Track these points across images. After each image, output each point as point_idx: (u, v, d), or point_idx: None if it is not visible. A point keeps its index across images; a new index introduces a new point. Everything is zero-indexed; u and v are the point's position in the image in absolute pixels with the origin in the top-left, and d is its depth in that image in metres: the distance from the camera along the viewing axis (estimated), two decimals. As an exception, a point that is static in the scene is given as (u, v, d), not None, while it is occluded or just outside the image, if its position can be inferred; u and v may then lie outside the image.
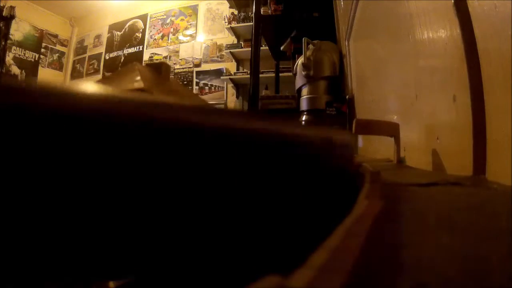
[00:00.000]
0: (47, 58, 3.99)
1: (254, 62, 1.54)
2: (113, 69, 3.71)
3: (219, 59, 3.44)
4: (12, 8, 2.62)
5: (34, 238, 0.08)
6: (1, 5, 2.58)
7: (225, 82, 3.30)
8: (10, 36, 3.01)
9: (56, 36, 4.08)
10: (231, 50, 3.16)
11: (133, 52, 3.84)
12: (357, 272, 0.09)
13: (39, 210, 0.08)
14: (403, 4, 0.64)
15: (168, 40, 3.70)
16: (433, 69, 0.53)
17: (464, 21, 0.41)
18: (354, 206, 0.18)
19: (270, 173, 0.16)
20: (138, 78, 0.36)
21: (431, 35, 0.53)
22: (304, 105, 1.56)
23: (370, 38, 1.07)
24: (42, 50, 3.91)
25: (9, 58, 3.46)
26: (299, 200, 0.18)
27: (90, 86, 0.10)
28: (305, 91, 1.58)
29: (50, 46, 4.01)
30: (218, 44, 3.47)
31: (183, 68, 3.54)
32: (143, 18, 3.87)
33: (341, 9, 1.61)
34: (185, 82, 3.45)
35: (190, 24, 3.64)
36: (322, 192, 0.21)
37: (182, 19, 3.68)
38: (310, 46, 1.55)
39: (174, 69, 3.51)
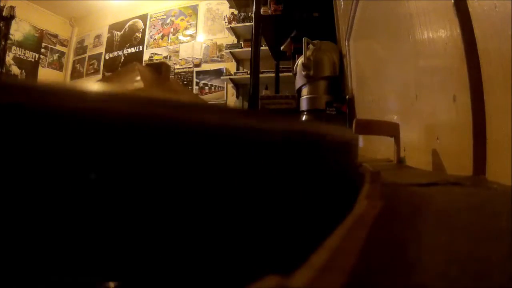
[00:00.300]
0: (47, 58, 3.99)
1: (254, 62, 1.54)
2: (113, 69, 3.71)
3: (219, 59, 3.44)
4: (12, 8, 2.62)
5: (33, 237, 0.08)
6: (1, 5, 2.58)
7: (225, 82, 3.30)
8: (10, 36, 3.01)
9: (56, 36, 4.07)
10: (231, 50, 3.16)
11: (133, 52, 3.84)
12: (357, 272, 0.09)
13: (39, 209, 0.08)
14: (403, 4, 0.64)
15: (168, 40, 3.70)
16: (433, 69, 0.53)
17: (464, 21, 0.41)
18: (354, 206, 0.18)
19: (270, 172, 0.16)
20: (138, 78, 0.36)
21: (431, 35, 0.53)
22: (304, 105, 1.56)
23: (370, 38, 1.07)
24: (42, 50, 3.91)
25: (9, 58, 3.46)
26: (299, 199, 0.18)
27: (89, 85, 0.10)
28: (305, 91, 1.58)
29: (50, 46, 4.01)
30: (218, 44, 3.46)
31: (183, 68, 3.54)
32: (143, 18, 3.87)
33: (341, 9, 1.61)
34: (185, 82, 3.45)
35: (190, 24, 3.64)
36: (321, 191, 0.21)
37: (182, 19, 3.68)
38: (310, 46, 1.55)
39: (174, 69, 3.51)
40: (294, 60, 1.83)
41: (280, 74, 2.55)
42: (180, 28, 3.67)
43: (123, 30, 3.96)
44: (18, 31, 3.55)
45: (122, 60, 3.87)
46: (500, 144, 0.35)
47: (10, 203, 0.07)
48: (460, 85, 0.42)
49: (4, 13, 2.56)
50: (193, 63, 3.52)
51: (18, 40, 3.61)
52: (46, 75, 3.90)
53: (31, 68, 3.77)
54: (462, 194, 0.30)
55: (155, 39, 3.77)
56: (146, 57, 3.73)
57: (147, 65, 0.46)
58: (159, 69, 0.44)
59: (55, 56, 4.09)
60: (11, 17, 2.61)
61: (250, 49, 1.76)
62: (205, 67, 3.47)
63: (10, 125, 0.07)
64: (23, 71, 3.67)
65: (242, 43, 3.15)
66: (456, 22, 0.42)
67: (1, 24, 2.54)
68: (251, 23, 1.78)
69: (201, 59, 3.50)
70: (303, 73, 1.53)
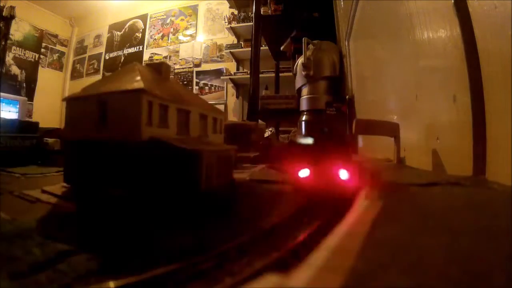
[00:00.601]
0: (47, 58, 3.99)
1: (254, 62, 1.54)
2: (113, 69, 3.71)
3: (219, 59, 3.44)
4: (12, 8, 2.62)
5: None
6: (1, 5, 2.58)
7: (225, 82, 3.30)
8: (10, 36, 3.01)
9: (56, 36, 4.07)
10: (231, 50, 3.16)
11: (133, 52, 3.84)
12: (357, 272, 0.09)
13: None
14: (403, 4, 0.64)
15: (168, 40, 3.70)
16: (433, 69, 0.53)
17: (464, 21, 0.41)
18: (354, 206, 0.18)
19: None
20: (138, 78, 0.36)
21: (431, 35, 0.53)
22: (304, 105, 1.56)
23: (370, 38, 1.07)
24: (42, 50, 3.90)
25: (9, 58, 3.46)
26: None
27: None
28: (305, 91, 1.57)
29: (50, 46, 4.01)
30: (218, 44, 3.46)
31: (183, 68, 3.54)
32: (143, 18, 3.86)
33: (341, 9, 1.61)
34: (185, 82, 3.44)
35: (190, 24, 3.64)
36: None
37: (182, 19, 3.68)
38: (310, 46, 1.55)
39: (174, 69, 3.51)
40: (294, 60, 1.83)
41: (280, 74, 2.55)
42: (180, 28, 3.67)
43: (123, 30, 3.96)
44: (18, 31, 3.55)
45: (122, 60, 3.87)
46: (500, 144, 0.35)
47: None
48: (460, 85, 0.42)
49: (4, 13, 2.55)
50: (193, 63, 3.52)
51: (18, 40, 3.60)
52: (46, 75, 3.90)
53: (31, 68, 3.77)
54: (462, 194, 0.30)
55: (155, 39, 3.77)
56: (146, 57, 3.73)
57: (147, 65, 0.46)
58: (159, 69, 0.44)
59: (55, 56, 4.09)
60: (11, 17, 2.61)
61: (250, 49, 1.76)
62: (205, 67, 3.47)
63: None
64: (23, 71, 3.67)
65: (242, 43, 3.15)
66: (456, 22, 0.42)
67: (1, 24, 2.54)
68: (251, 23, 1.78)
69: (201, 59, 3.50)
70: (303, 73, 1.53)
